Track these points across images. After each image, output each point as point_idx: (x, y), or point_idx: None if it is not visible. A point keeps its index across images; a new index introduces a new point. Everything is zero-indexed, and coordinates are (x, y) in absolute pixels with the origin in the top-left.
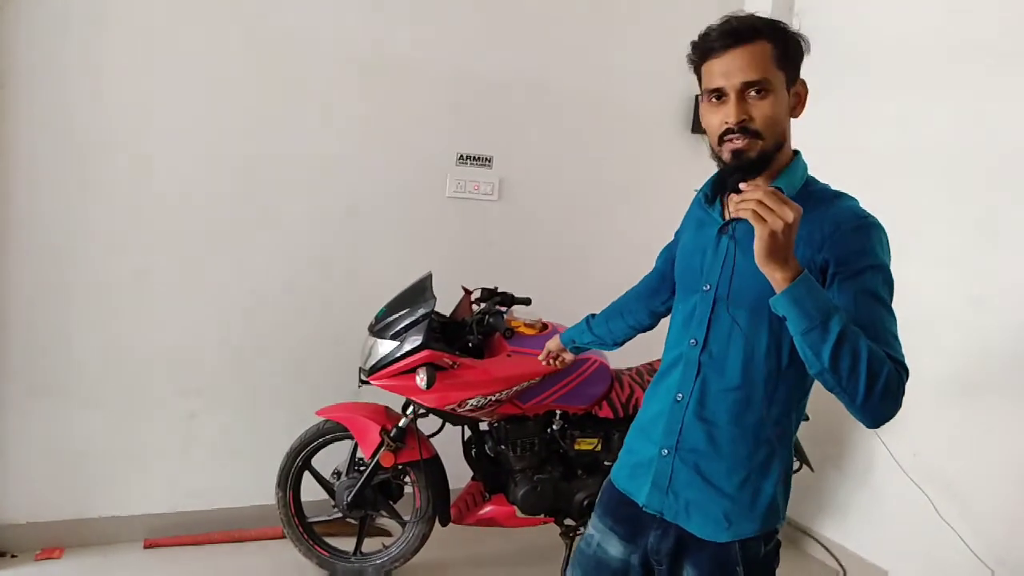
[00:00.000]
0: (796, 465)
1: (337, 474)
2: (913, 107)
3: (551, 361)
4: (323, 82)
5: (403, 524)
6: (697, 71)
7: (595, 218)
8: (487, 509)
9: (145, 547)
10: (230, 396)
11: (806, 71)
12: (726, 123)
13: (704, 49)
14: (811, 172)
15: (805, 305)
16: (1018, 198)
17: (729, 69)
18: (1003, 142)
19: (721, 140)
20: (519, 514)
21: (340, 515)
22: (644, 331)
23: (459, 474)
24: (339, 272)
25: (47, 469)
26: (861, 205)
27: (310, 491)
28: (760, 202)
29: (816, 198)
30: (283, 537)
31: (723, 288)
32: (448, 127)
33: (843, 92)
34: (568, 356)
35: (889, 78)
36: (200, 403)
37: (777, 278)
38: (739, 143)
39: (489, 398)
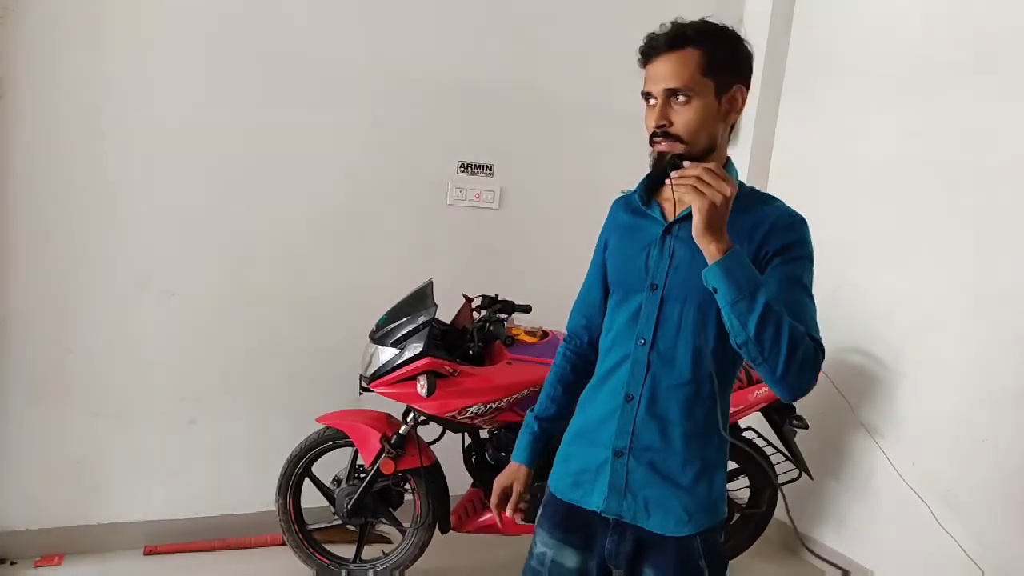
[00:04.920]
0: (795, 473)
1: (337, 481)
2: (913, 115)
3: (518, 512)
4: (325, 92)
5: (403, 531)
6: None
7: (596, 226)
8: (487, 516)
9: (145, 554)
10: (231, 402)
11: (803, 85)
12: (651, 126)
13: (643, 52)
14: (809, 182)
15: (735, 276)
16: (1017, 208)
17: (657, 75)
18: (1002, 150)
19: (651, 141)
20: (519, 521)
21: (340, 522)
22: None
23: (459, 481)
24: (340, 279)
25: (46, 475)
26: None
27: (310, 498)
28: (699, 178)
29: (747, 201)
30: (283, 544)
31: (671, 286)
32: (449, 136)
33: (843, 100)
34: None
35: (889, 86)
36: (200, 409)
37: (712, 250)
38: (662, 146)
39: (489, 406)
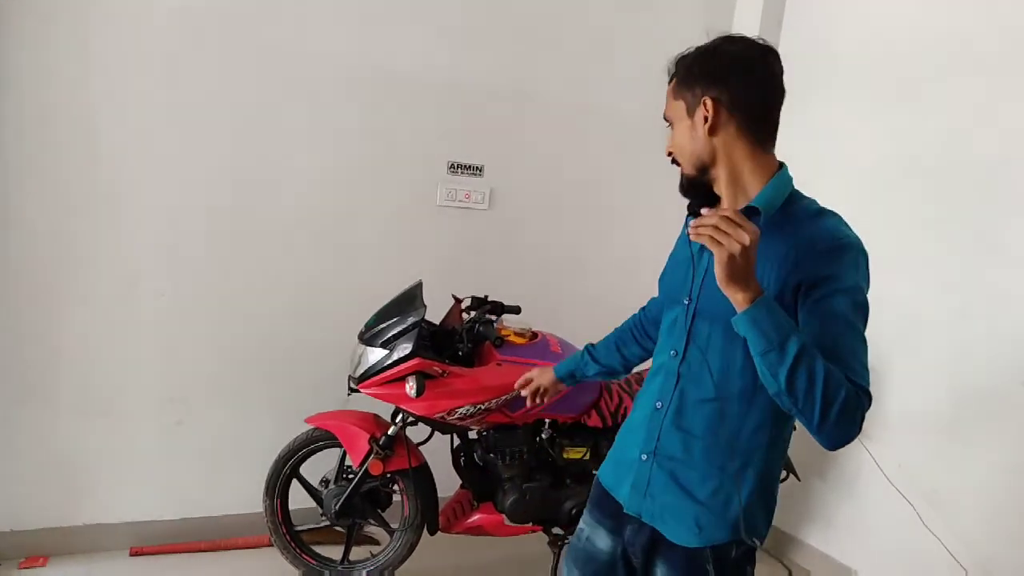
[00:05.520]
0: (783, 475)
1: (325, 482)
2: (900, 119)
3: (539, 399)
4: (315, 92)
5: (391, 532)
6: None
7: (586, 227)
8: (475, 517)
9: (131, 555)
10: (218, 403)
11: (793, 87)
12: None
13: None
14: (797, 183)
15: (764, 326)
16: (1003, 210)
17: None
18: (989, 152)
19: None
20: (507, 522)
21: (328, 523)
22: None
23: (447, 482)
24: (329, 279)
25: (31, 476)
26: (844, 223)
27: (298, 499)
28: (715, 227)
29: (796, 217)
30: (270, 545)
31: (702, 302)
32: (439, 136)
33: (830, 103)
34: (561, 388)
35: (876, 90)
36: (188, 410)
37: (738, 299)
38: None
39: (478, 406)
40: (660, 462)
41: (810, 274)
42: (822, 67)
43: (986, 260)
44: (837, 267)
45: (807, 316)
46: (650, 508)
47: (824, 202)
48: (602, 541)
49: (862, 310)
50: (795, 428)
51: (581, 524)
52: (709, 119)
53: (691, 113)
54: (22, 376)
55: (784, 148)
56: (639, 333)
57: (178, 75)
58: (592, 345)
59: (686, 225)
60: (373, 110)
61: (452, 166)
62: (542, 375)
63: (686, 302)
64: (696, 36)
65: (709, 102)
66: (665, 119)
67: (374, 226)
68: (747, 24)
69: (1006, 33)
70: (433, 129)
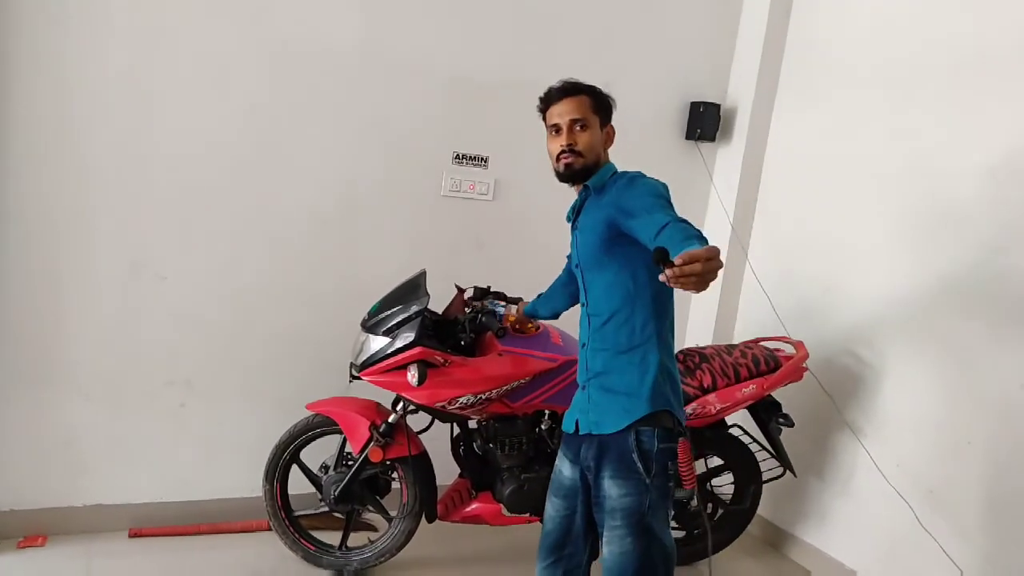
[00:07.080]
0: (779, 471)
1: (325, 468)
2: (906, 115)
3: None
4: (323, 81)
5: (389, 520)
6: (543, 114)
7: None
8: (473, 506)
9: (130, 536)
10: (220, 387)
11: (799, 83)
12: (561, 146)
13: (548, 99)
14: (801, 181)
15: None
16: (1005, 211)
17: (563, 111)
18: (992, 151)
19: (558, 159)
20: (505, 512)
21: (327, 509)
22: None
23: (446, 471)
24: (333, 267)
25: (32, 456)
26: (638, 172)
27: (297, 485)
28: (700, 275)
29: (612, 183)
30: (269, 530)
31: (582, 262)
32: (445, 127)
33: (835, 105)
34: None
35: (881, 92)
36: (190, 394)
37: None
38: (568, 159)
39: (479, 396)
40: (593, 383)
41: (622, 201)
42: (831, 57)
43: (987, 261)
44: (635, 185)
45: (640, 214)
46: (594, 420)
47: (829, 199)
48: (567, 469)
49: (662, 195)
50: (792, 424)
51: (557, 462)
52: (612, 140)
53: (603, 128)
54: (25, 358)
55: (790, 139)
56: (554, 295)
57: (184, 63)
58: (540, 295)
59: (572, 207)
60: (379, 100)
61: (457, 156)
62: (518, 311)
63: (576, 266)
64: (707, 33)
65: (612, 129)
66: (580, 120)
67: (378, 214)
68: (756, 10)
69: (1009, 34)
70: (439, 120)
